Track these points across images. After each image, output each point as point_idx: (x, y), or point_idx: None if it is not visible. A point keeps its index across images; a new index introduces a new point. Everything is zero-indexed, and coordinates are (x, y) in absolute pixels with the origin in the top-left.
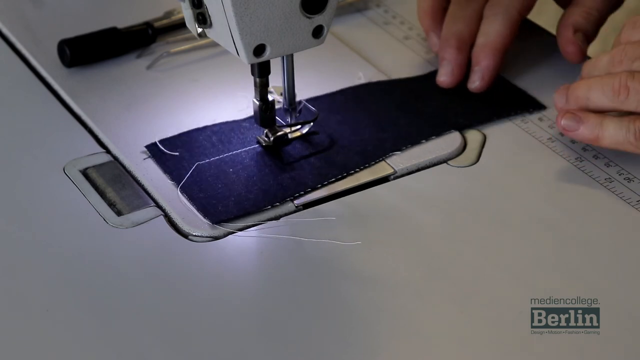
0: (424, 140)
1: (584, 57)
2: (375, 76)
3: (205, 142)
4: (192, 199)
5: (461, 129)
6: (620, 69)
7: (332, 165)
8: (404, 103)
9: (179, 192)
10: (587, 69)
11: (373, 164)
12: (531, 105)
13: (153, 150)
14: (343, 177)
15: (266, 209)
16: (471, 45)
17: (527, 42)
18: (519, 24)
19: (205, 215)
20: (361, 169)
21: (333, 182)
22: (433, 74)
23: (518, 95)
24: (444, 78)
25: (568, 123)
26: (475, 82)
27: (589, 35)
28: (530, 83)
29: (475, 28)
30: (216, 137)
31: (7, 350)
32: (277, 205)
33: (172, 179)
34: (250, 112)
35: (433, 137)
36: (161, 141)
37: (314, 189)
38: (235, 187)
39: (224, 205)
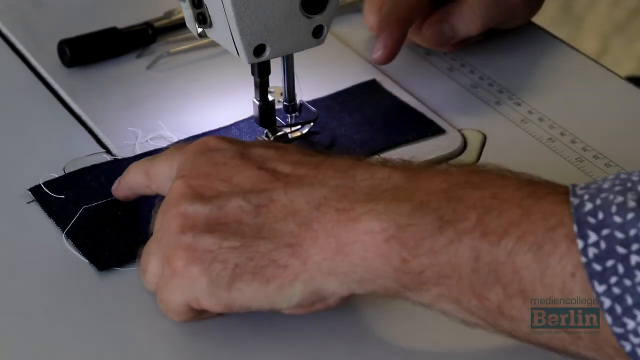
0: None
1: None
2: (376, 76)
3: (92, 183)
4: (78, 245)
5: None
6: None
7: None
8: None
9: (64, 238)
10: None
11: None
12: (429, 129)
13: (37, 193)
14: None
15: None
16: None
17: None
18: None
19: (91, 261)
20: None
21: None
22: (342, 92)
23: (418, 120)
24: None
25: None
26: (379, 52)
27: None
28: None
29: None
30: (104, 177)
31: (7, 351)
32: None
33: (58, 224)
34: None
35: None
36: (46, 183)
37: None
38: (124, 231)
39: (112, 251)
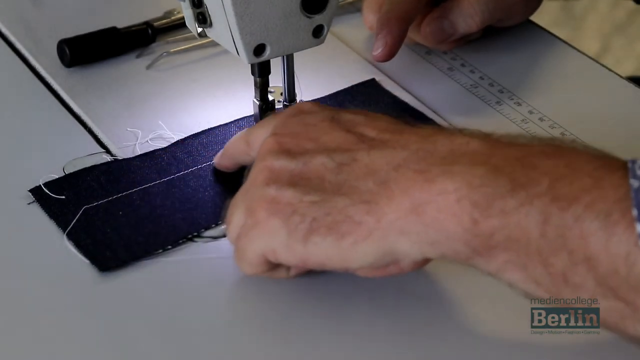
0: None
1: None
2: (376, 76)
3: (93, 183)
4: (78, 245)
5: None
6: None
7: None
8: None
9: (65, 239)
10: None
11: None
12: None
13: (38, 194)
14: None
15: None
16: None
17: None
18: None
19: (92, 262)
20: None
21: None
22: (342, 92)
23: (418, 119)
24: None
25: None
26: (379, 49)
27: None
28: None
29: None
30: (105, 177)
31: (7, 351)
32: (169, 248)
33: (58, 225)
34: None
35: None
36: (46, 184)
37: (208, 227)
38: (124, 231)
39: (113, 251)
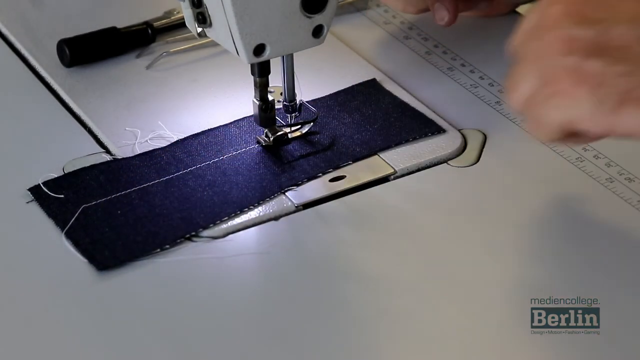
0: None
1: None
2: (376, 76)
3: (92, 183)
4: (77, 244)
5: (358, 159)
6: None
7: (225, 202)
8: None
9: (64, 238)
10: None
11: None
12: (430, 129)
13: (37, 193)
14: (240, 213)
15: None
16: None
17: None
18: None
19: (90, 261)
20: (257, 205)
21: (226, 220)
22: (342, 92)
23: (418, 119)
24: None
25: None
26: (445, 18)
27: None
28: None
29: None
30: (104, 177)
31: (6, 351)
32: (168, 248)
33: (57, 224)
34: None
35: (330, 170)
36: (45, 183)
37: (206, 227)
38: (123, 230)
39: (111, 250)
